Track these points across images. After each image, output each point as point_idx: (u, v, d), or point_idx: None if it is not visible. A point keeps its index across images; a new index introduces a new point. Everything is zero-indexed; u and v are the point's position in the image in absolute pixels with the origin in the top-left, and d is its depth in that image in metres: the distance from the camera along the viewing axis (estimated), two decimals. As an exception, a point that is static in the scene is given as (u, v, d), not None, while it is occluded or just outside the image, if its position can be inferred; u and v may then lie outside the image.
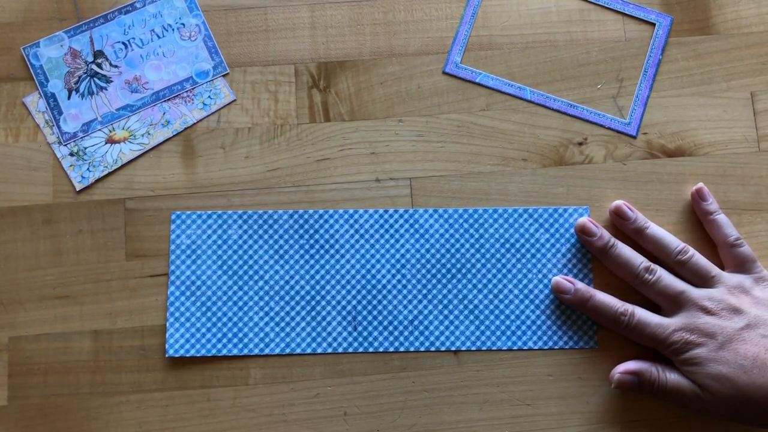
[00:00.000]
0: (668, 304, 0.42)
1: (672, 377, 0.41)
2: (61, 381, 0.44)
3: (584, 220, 0.44)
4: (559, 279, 0.44)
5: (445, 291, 0.45)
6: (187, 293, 0.45)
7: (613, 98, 0.48)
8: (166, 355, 0.44)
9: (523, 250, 0.46)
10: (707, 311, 0.41)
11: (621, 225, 0.45)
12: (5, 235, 0.45)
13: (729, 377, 0.39)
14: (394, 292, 0.45)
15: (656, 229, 0.44)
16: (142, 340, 0.44)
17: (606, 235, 0.44)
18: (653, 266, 0.43)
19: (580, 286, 0.43)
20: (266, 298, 0.45)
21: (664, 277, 0.42)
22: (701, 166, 0.47)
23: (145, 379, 0.44)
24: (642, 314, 0.42)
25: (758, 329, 0.40)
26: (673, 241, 0.43)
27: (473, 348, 0.44)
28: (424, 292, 0.45)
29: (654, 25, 0.49)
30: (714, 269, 0.43)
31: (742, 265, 0.43)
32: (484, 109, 0.48)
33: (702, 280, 0.42)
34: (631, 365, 0.42)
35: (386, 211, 0.46)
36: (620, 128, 0.47)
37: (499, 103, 0.48)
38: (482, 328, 0.45)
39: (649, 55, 0.48)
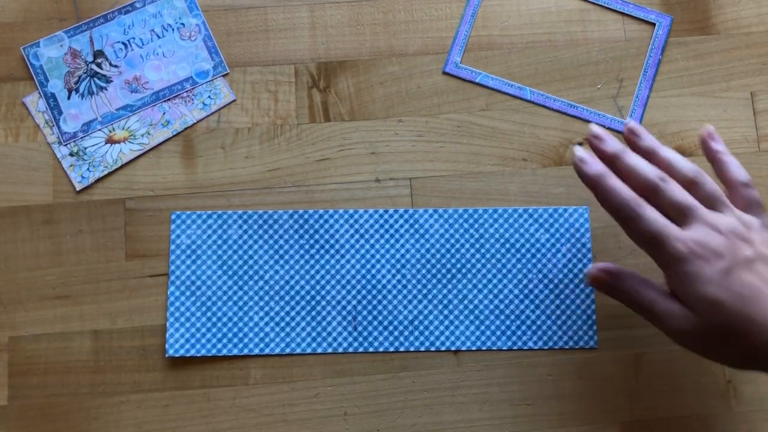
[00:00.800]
0: (679, 215, 0.39)
1: (655, 290, 0.39)
2: (61, 381, 0.44)
3: (594, 127, 0.41)
4: (581, 149, 0.40)
5: (445, 291, 0.45)
6: (187, 293, 0.45)
7: (613, 98, 0.48)
8: (166, 355, 0.44)
9: (523, 250, 0.46)
10: (718, 231, 0.38)
11: (635, 143, 0.42)
12: (5, 235, 0.45)
13: (726, 304, 0.36)
14: (394, 292, 0.45)
15: (669, 151, 0.41)
16: (142, 340, 0.44)
17: (617, 142, 0.41)
18: (666, 176, 0.39)
19: (599, 163, 0.40)
20: (266, 298, 0.45)
21: (677, 188, 0.39)
22: (701, 166, 0.47)
23: (145, 379, 0.44)
24: (654, 213, 0.38)
25: (765, 264, 0.37)
26: (687, 163, 0.41)
27: (473, 348, 0.44)
28: (424, 292, 0.45)
29: (654, 25, 0.49)
30: (726, 200, 0.40)
31: (751, 207, 0.40)
32: (484, 109, 0.48)
33: (713, 205, 0.39)
34: (611, 266, 0.40)
35: (386, 211, 0.46)
36: (620, 128, 0.47)
37: (499, 103, 0.48)
38: (482, 328, 0.45)
39: (649, 55, 0.48)
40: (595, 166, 0.39)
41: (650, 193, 0.39)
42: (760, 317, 0.35)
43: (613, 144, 0.40)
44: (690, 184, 0.40)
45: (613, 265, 0.40)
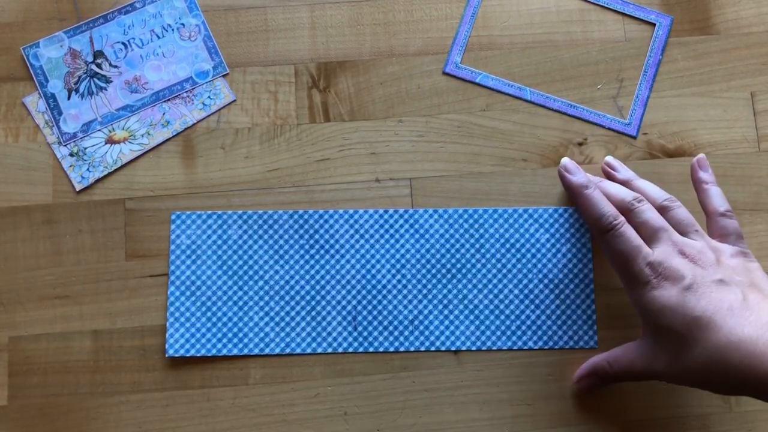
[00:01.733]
0: (649, 235, 0.40)
1: (624, 360, 0.40)
2: (61, 381, 0.44)
3: (567, 160, 0.43)
4: (568, 160, 0.43)
5: (445, 291, 0.45)
6: (187, 293, 0.45)
7: (613, 98, 0.48)
8: (166, 355, 0.44)
9: (523, 250, 0.46)
10: (683, 253, 0.38)
11: (612, 176, 0.44)
12: (5, 235, 0.46)
13: (676, 326, 0.36)
14: (394, 292, 0.45)
15: (644, 182, 0.43)
16: (142, 340, 0.44)
17: (588, 177, 0.43)
18: (643, 198, 0.41)
19: (585, 174, 0.42)
20: (266, 298, 0.45)
21: (651, 209, 0.40)
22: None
23: (145, 379, 0.44)
24: (631, 230, 0.39)
25: (732, 287, 0.37)
26: (661, 191, 0.42)
27: (473, 348, 0.44)
28: (424, 292, 0.45)
29: (654, 25, 0.49)
30: (698, 227, 0.41)
31: (728, 237, 0.41)
32: (484, 109, 0.48)
33: (684, 231, 0.40)
34: (584, 369, 0.42)
35: (386, 211, 0.46)
36: (620, 128, 0.47)
37: (499, 104, 0.48)
38: (482, 328, 0.45)
39: (649, 55, 0.48)
40: (579, 175, 0.42)
41: (625, 213, 0.41)
42: (706, 340, 0.35)
43: (585, 174, 0.43)
44: (662, 210, 0.41)
45: (588, 364, 0.42)
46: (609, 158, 0.45)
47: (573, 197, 0.42)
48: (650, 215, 0.40)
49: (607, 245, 0.40)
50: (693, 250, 0.39)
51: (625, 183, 0.43)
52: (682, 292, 0.37)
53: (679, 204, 0.41)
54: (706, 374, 0.36)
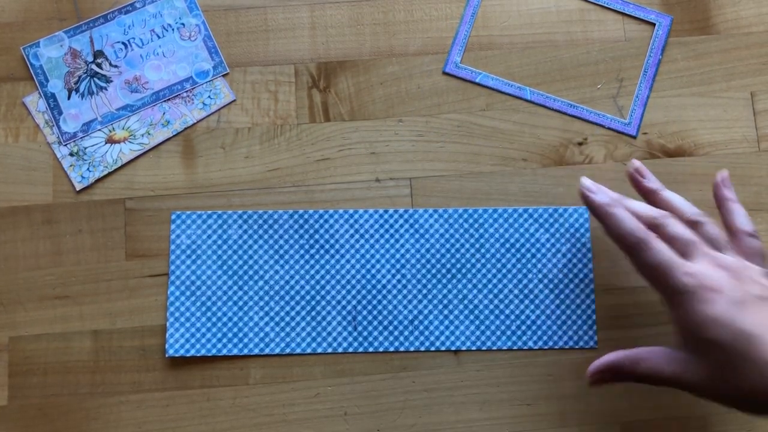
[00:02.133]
0: (683, 249, 0.38)
1: (651, 363, 0.37)
2: (61, 381, 0.44)
3: (586, 180, 0.42)
4: (588, 179, 0.41)
5: (445, 291, 0.45)
6: (187, 293, 0.45)
7: (613, 98, 0.48)
8: (166, 355, 0.44)
9: (523, 250, 0.46)
10: (722, 266, 0.37)
11: (639, 182, 0.42)
12: (5, 235, 0.45)
13: (726, 340, 0.35)
14: (394, 292, 0.45)
15: (671, 194, 0.41)
16: (142, 340, 0.44)
17: (611, 194, 0.41)
18: (670, 214, 0.39)
19: (608, 191, 0.41)
20: (266, 298, 0.45)
21: (681, 224, 0.39)
22: (701, 166, 0.47)
23: (145, 379, 0.44)
24: (662, 243, 0.38)
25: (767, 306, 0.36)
26: (690, 206, 0.41)
27: (473, 348, 0.44)
28: (424, 292, 0.45)
29: (654, 25, 0.49)
30: (728, 244, 0.39)
31: (753, 257, 0.39)
32: (484, 109, 0.48)
33: (715, 246, 0.39)
34: (601, 364, 0.39)
35: (386, 211, 0.46)
36: (620, 128, 0.47)
37: (499, 103, 0.48)
38: (482, 328, 0.45)
39: (649, 55, 0.48)
40: (602, 194, 0.40)
41: (654, 228, 0.39)
42: (758, 358, 0.34)
43: (608, 192, 0.40)
44: (692, 225, 0.39)
45: (606, 359, 0.39)
46: (637, 163, 0.43)
47: (598, 217, 0.40)
48: (680, 229, 0.38)
49: (638, 261, 0.38)
50: (731, 265, 0.37)
51: (651, 192, 0.42)
52: (729, 305, 0.35)
53: (709, 220, 0.40)
54: (757, 393, 0.34)
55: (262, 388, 0.44)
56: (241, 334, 0.44)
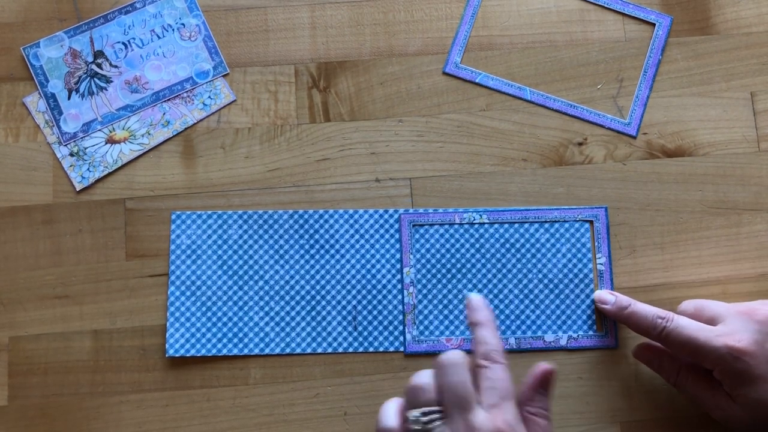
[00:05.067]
0: (709, 320, 0.40)
1: (698, 389, 0.40)
2: (61, 381, 0.44)
3: (600, 292, 0.44)
4: (601, 292, 0.44)
5: (445, 291, 0.45)
6: (187, 293, 0.45)
7: (613, 98, 0.48)
8: (166, 355, 0.44)
9: (523, 250, 0.46)
10: (754, 319, 0.38)
11: (603, 310, 0.44)
12: (5, 235, 0.46)
13: None
14: (394, 292, 0.45)
15: (638, 306, 0.42)
16: (142, 340, 0.44)
17: (623, 299, 0.43)
18: (667, 313, 0.41)
19: (621, 296, 0.43)
20: (266, 298, 0.45)
21: (682, 318, 0.40)
22: (701, 166, 0.47)
23: (145, 379, 0.44)
24: (683, 319, 0.40)
25: None
26: (655, 311, 0.41)
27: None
28: (424, 292, 0.45)
29: (654, 25, 0.49)
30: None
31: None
32: (484, 109, 0.48)
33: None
34: (654, 348, 0.42)
35: (386, 211, 0.46)
36: (620, 128, 0.47)
37: (499, 103, 0.48)
38: (482, 328, 0.45)
39: (649, 55, 0.48)
40: (615, 302, 0.43)
41: (657, 336, 0.40)
42: None
43: (619, 297, 0.43)
44: (659, 338, 0.41)
45: (653, 347, 0.42)
46: (598, 292, 0.44)
47: (618, 321, 0.44)
48: (685, 321, 0.40)
49: (669, 344, 0.40)
50: (762, 316, 0.39)
51: (619, 311, 0.43)
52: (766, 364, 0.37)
53: (674, 316, 0.41)
54: None
55: (262, 388, 0.44)
56: (241, 334, 0.44)
